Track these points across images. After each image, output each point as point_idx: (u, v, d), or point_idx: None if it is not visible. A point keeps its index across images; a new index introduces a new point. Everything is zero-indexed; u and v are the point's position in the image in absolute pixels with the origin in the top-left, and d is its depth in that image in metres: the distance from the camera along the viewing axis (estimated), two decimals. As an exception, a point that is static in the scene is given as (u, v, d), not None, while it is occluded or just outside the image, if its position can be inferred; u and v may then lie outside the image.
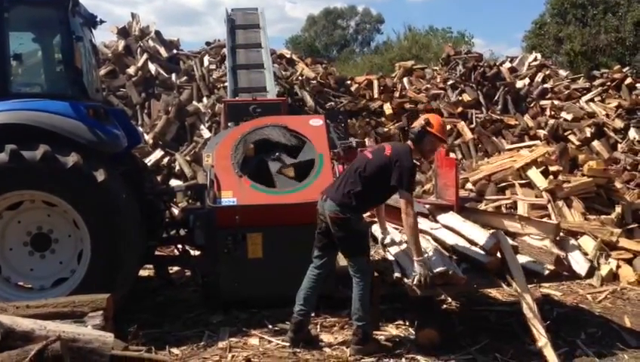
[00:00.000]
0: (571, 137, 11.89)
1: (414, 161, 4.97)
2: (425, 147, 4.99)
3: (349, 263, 4.90)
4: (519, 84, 14.04)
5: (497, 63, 15.13)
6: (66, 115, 5.20)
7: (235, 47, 9.61)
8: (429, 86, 13.97)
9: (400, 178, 4.69)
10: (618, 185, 9.23)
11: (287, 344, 4.96)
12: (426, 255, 4.79)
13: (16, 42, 5.61)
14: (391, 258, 5.41)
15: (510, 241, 5.15)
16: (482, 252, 5.05)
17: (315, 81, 12.93)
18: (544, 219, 7.37)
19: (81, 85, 5.57)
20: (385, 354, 4.79)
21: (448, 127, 12.57)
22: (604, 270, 7.21)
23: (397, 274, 5.01)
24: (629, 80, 13.83)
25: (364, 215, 5.29)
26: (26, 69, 5.90)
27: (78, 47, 5.51)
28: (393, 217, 6.26)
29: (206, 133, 11.13)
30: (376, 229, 5.75)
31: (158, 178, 10.15)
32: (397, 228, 5.74)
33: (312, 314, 5.53)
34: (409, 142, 5.01)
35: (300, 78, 12.87)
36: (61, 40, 5.55)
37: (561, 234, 5.44)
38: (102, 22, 6.43)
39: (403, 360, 4.73)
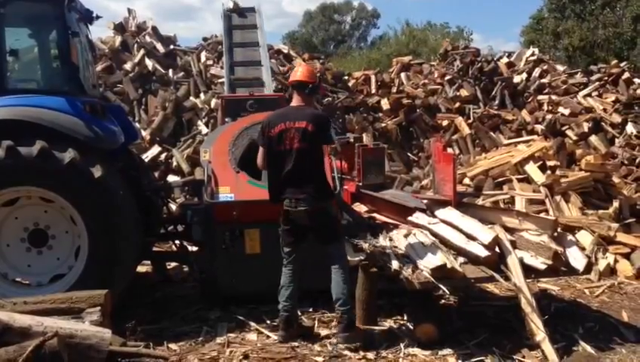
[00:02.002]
0: (569, 132, 11.88)
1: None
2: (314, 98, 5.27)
3: (328, 251, 4.93)
4: (517, 79, 14.03)
5: (495, 58, 15.11)
6: (63, 110, 5.19)
7: (233, 46, 9.57)
8: (426, 81, 13.95)
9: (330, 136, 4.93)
10: (616, 179, 9.23)
11: (282, 342, 4.95)
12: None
13: (12, 38, 5.60)
14: (389, 251, 5.42)
15: (508, 236, 5.15)
16: (480, 246, 5.05)
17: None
18: (542, 214, 7.37)
19: (77, 81, 5.56)
20: (384, 349, 4.79)
21: (446, 122, 12.58)
22: (601, 264, 7.23)
23: (395, 267, 5.02)
24: (626, 75, 13.83)
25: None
26: (23, 64, 5.89)
27: (74, 42, 5.50)
28: (393, 213, 6.28)
29: (203, 129, 11.11)
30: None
31: (156, 174, 10.12)
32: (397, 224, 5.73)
33: (310, 309, 5.56)
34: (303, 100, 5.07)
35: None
36: (57, 36, 5.53)
37: (559, 229, 5.44)
38: (98, 17, 6.40)
39: (401, 354, 4.73)
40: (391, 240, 5.45)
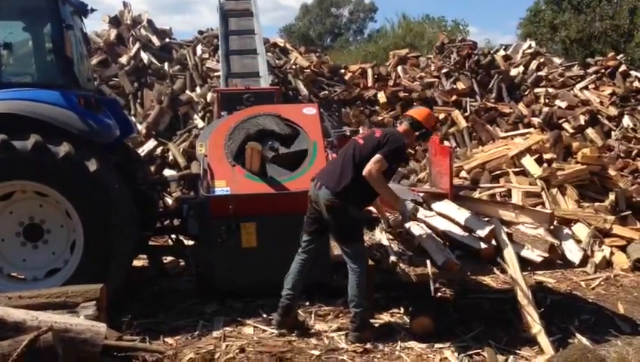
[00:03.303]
0: (565, 125, 11.88)
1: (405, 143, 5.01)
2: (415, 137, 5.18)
3: (343, 250, 4.91)
4: (513, 72, 14.01)
5: (492, 51, 15.10)
6: (57, 104, 5.16)
7: (228, 34, 9.55)
8: (423, 74, 13.93)
9: (385, 148, 4.75)
10: (612, 172, 9.25)
11: (275, 328, 4.99)
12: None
13: (6, 31, 5.59)
14: (385, 242, 5.43)
15: (505, 229, 5.15)
16: (477, 239, 5.06)
17: (308, 70, 12.87)
18: (538, 207, 7.39)
19: (72, 74, 5.53)
20: (381, 342, 4.80)
21: (442, 115, 12.57)
22: (597, 257, 7.25)
23: (393, 259, 5.03)
24: (623, 67, 13.83)
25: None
26: (17, 58, 5.84)
27: (68, 35, 5.46)
28: (389, 206, 6.27)
29: (199, 123, 11.09)
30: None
31: (152, 168, 10.11)
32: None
33: (307, 303, 5.55)
34: (404, 127, 5.09)
35: (293, 66, 12.81)
36: (51, 29, 5.49)
37: (555, 222, 5.44)
38: (93, 10, 6.37)
39: (398, 347, 4.74)
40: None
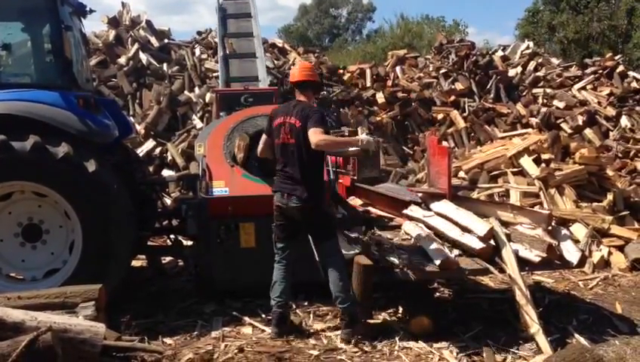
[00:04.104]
0: (563, 125, 11.90)
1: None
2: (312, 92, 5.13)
3: (321, 248, 4.92)
4: (512, 72, 14.03)
5: (490, 52, 15.12)
6: (56, 105, 5.16)
7: (227, 36, 9.56)
8: (421, 75, 13.94)
9: (312, 121, 4.69)
10: (610, 172, 9.27)
11: (274, 337, 4.95)
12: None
13: (4, 32, 5.58)
14: (384, 243, 5.43)
15: (503, 229, 5.16)
16: (475, 239, 5.07)
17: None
18: (536, 207, 7.40)
19: (70, 75, 5.52)
20: (379, 341, 4.80)
21: (441, 115, 12.58)
22: (595, 257, 7.26)
23: (391, 258, 5.03)
24: (620, 67, 13.85)
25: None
26: (15, 59, 5.84)
27: (67, 36, 5.46)
28: (388, 206, 6.29)
29: (198, 123, 11.09)
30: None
31: (150, 168, 10.11)
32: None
33: (306, 303, 5.56)
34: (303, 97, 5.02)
35: (292, 67, 12.81)
36: (50, 29, 5.48)
37: (553, 222, 5.45)
38: (91, 11, 6.37)
39: (396, 347, 4.74)
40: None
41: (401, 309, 5.54)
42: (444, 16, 39.49)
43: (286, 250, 5.00)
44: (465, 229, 5.21)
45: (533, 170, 8.74)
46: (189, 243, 6.45)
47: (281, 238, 5.01)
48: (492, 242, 5.08)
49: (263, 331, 5.08)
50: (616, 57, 14.83)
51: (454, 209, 5.46)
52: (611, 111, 12.35)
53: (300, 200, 4.78)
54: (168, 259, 7.17)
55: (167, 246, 6.65)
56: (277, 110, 5.08)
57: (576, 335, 4.99)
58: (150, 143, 10.74)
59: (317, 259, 5.03)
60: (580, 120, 11.84)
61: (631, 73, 14.02)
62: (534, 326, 4.67)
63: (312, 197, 4.79)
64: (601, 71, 13.89)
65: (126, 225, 5.24)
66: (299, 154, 4.79)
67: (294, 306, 5.45)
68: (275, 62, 12.89)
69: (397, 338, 4.88)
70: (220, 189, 5.59)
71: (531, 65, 14.26)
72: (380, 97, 12.75)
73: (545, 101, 12.90)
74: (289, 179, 4.85)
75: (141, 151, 10.32)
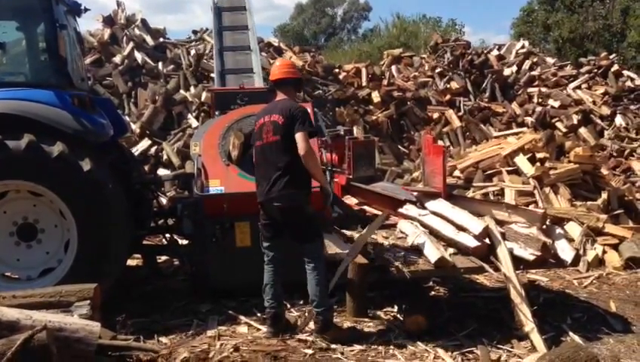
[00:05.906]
0: (558, 124, 11.96)
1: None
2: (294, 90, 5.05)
3: (303, 250, 4.84)
4: (507, 71, 14.09)
5: (485, 51, 15.15)
6: (51, 104, 5.14)
7: (222, 30, 9.55)
8: (417, 74, 13.99)
9: (299, 123, 4.64)
10: (604, 171, 9.32)
11: (268, 337, 4.92)
12: None
13: (-1, 31, 5.56)
14: (382, 241, 5.45)
15: (498, 228, 5.18)
16: (470, 237, 5.08)
17: (303, 70, 12.89)
18: (531, 206, 7.43)
19: (65, 74, 5.51)
20: (374, 340, 4.81)
21: (436, 114, 12.60)
22: (590, 255, 7.28)
23: (386, 257, 5.04)
24: (615, 67, 13.92)
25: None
26: (10, 57, 5.83)
27: (62, 35, 5.43)
28: (383, 205, 6.29)
29: (193, 122, 11.08)
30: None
31: (146, 167, 10.09)
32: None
33: (301, 302, 5.56)
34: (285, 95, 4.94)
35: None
36: (45, 28, 5.47)
37: (548, 221, 5.47)
38: (86, 10, 6.35)
39: (391, 346, 4.75)
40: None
41: (396, 307, 5.55)
42: (440, 17, 39.51)
43: (273, 250, 4.95)
44: (460, 228, 5.23)
45: (528, 168, 8.77)
46: (185, 242, 6.44)
47: (267, 238, 4.96)
48: (487, 241, 5.10)
49: (259, 330, 5.08)
50: (611, 56, 14.92)
51: (449, 207, 5.48)
52: (606, 111, 12.41)
53: (280, 200, 4.71)
54: (164, 258, 7.16)
55: (163, 245, 6.64)
56: (260, 112, 5.01)
57: (571, 334, 5.00)
58: (145, 142, 10.74)
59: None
60: (575, 119, 11.95)
61: (625, 72, 14.11)
62: (529, 325, 4.69)
63: (294, 197, 4.73)
64: (595, 70, 13.96)
65: (121, 224, 5.23)
66: (282, 152, 4.71)
67: (289, 306, 5.44)
68: (271, 61, 12.88)
69: (392, 337, 4.88)
70: (215, 188, 5.59)
71: (526, 65, 14.32)
72: (376, 96, 12.78)
73: (540, 100, 12.96)
74: (270, 177, 4.76)
75: (136, 150, 10.32)
